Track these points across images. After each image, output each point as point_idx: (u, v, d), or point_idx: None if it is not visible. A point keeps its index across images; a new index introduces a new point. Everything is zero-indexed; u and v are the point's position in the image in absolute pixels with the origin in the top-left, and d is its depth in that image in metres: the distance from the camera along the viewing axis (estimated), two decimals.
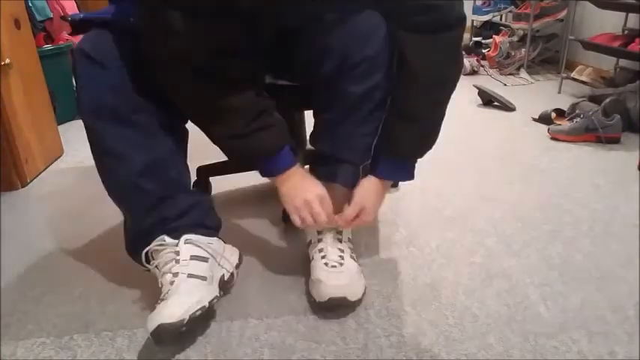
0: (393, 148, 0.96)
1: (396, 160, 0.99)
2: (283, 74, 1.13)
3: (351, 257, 1.02)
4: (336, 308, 0.96)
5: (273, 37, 1.01)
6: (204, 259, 0.96)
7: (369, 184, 1.00)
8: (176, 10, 0.80)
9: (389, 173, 1.00)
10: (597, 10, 2.69)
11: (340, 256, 1.00)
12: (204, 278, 0.93)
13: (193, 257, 0.94)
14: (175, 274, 0.91)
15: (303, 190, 0.96)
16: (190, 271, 0.92)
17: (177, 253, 0.94)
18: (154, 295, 1.04)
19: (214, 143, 0.95)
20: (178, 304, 0.85)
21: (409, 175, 1.01)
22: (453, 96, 0.95)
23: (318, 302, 0.96)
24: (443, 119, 0.96)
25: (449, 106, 0.96)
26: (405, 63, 0.89)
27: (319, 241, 1.03)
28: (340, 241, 1.03)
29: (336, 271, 0.97)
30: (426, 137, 0.97)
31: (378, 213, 1.08)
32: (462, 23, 0.89)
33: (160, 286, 0.92)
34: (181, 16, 0.80)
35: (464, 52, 3.18)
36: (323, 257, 1.00)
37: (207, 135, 0.95)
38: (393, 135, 0.95)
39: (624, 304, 0.98)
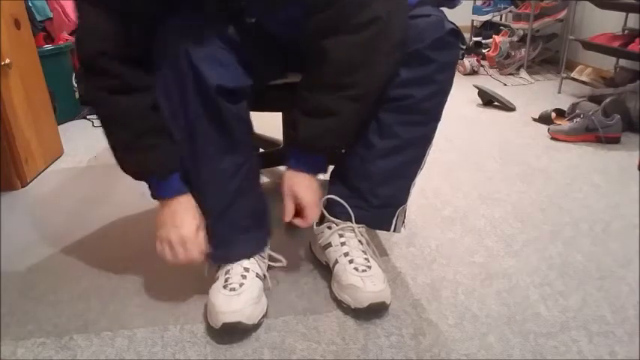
0: (295, 138, 0.94)
1: (299, 151, 0.96)
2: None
3: (372, 258, 1.01)
4: (373, 313, 0.95)
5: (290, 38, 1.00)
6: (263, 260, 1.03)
7: (292, 175, 0.97)
8: (95, 8, 0.82)
9: (294, 163, 0.97)
10: (597, 10, 2.69)
11: (365, 259, 0.99)
12: (262, 279, 0.99)
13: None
14: (246, 269, 0.97)
15: (174, 225, 0.92)
16: (257, 270, 0.98)
17: None
18: (154, 296, 1.04)
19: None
20: (254, 309, 0.92)
21: (314, 168, 0.97)
22: (453, 96, 0.95)
23: (355, 308, 0.94)
24: (358, 117, 0.92)
25: (448, 106, 0.95)
26: (313, 59, 0.87)
27: (342, 244, 1.01)
28: (361, 242, 1.02)
29: (368, 276, 0.95)
30: (335, 132, 0.92)
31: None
32: (372, 25, 0.83)
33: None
34: (99, 15, 0.82)
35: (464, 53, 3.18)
36: (351, 262, 0.98)
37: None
38: (296, 126, 0.93)
39: (624, 304, 0.98)
